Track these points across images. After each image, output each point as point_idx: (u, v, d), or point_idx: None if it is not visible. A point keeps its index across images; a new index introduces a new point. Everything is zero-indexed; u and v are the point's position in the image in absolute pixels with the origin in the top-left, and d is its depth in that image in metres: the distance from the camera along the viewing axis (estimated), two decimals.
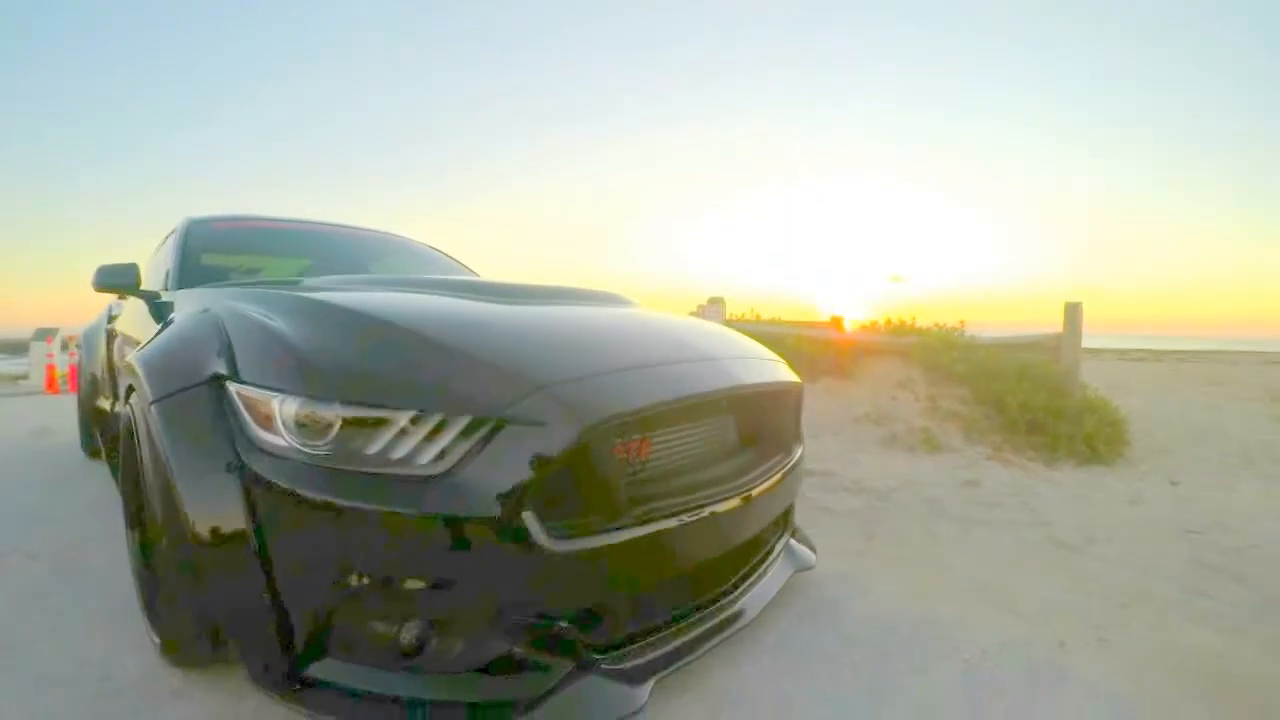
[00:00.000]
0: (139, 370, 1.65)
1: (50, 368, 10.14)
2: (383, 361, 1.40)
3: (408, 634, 1.30)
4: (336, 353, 1.42)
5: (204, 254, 2.83)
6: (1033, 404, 5.03)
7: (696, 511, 1.50)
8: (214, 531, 1.33)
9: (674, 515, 1.46)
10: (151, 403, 1.50)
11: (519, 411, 1.31)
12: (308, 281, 2.19)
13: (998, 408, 5.23)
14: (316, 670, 1.30)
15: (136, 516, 1.87)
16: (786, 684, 1.60)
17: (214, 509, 1.33)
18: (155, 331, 1.99)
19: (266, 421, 1.32)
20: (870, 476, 3.88)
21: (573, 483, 1.35)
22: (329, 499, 1.25)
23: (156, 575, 1.67)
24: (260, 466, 1.29)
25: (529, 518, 1.27)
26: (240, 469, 1.31)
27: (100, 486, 3.50)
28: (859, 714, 1.49)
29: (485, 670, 1.31)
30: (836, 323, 7.85)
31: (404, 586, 1.28)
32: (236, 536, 1.30)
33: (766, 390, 1.89)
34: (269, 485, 1.28)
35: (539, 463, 1.28)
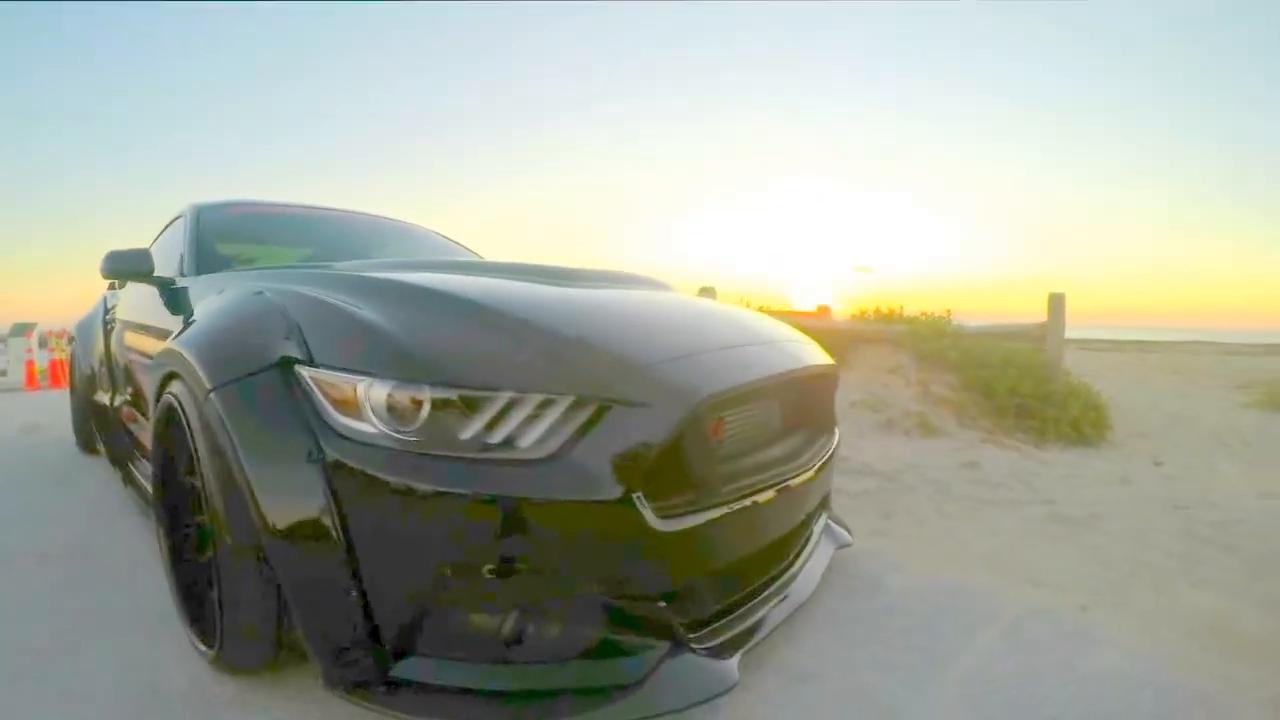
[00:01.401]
0: (189, 356, 1.55)
1: (30, 364, 9.90)
2: (475, 342, 1.38)
3: (506, 625, 1.26)
4: (424, 333, 1.36)
5: (218, 239, 2.80)
6: (1020, 390, 5.30)
7: (771, 489, 1.61)
8: (293, 525, 1.26)
9: (756, 492, 1.55)
10: (211, 390, 1.42)
11: (624, 392, 1.32)
12: (346, 264, 2.16)
13: (986, 393, 5.50)
14: (404, 669, 1.25)
15: (171, 514, 1.82)
16: (849, 655, 1.75)
17: (292, 501, 1.26)
18: (186, 317, 1.98)
19: (349, 406, 1.26)
20: (875, 460, 4.09)
21: (673, 461, 1.37)
22: (427, 487, 1.20)
23: (203, 576, 1.65)
24: (345, 454, 1.23)
25: (639, 499, 1.28)
26: (321, 457, 1.24)
27: (100, 483, 3.49)
28: (922, 677, 1.66)
29: (584, 656, 1.30)
30: (824, 311, 8.09)
31: (506, 576, 1.25)
32: (319, 530, 1.24)
33: (817, 372, 2.00)
34: (357, 474, 1.22)
35: (647, 443, 1.29)
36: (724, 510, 1.45)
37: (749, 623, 1.59)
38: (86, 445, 4.23)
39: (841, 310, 8.03)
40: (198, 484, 1.68)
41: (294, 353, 1.35)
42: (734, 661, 1.44)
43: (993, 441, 4.77)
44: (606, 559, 1.29)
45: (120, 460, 3.12)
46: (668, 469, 1.37)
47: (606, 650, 1.31)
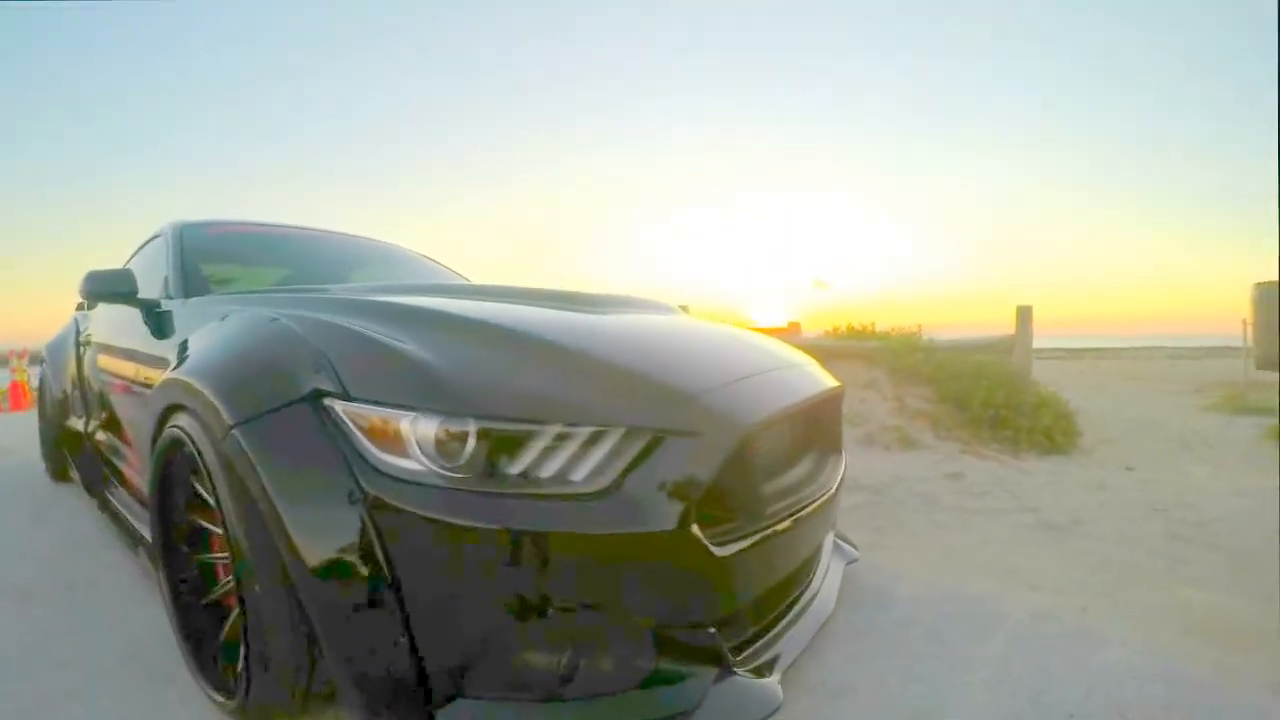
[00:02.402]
0: (202, 388, 1.49)
1: None
2: (520, 373, 1.36)
3: (560, 661, 1.25)
4: (467, 364, 1.34)
5: (203, 260, 2.69)
6: (994, 401, 5.49)
7: (803, 510, 1.64)
8: (333, 567, 1.23)
9: (792, 514, 1.58)
10: (234, 426, 1.36)
11: (677, 422, 1.33)
12: (352, 287, 2.15)
13: (960, 405, 5.68)
14: (451, 713, 1.23)
15: (172, 553, 1.77)
16: (874, 667, 1.81)
17: (332, 542, 1.23)
18: (181, 344, 1.91)
19: (391, 442, 1.23)
20: (861, 473, 4.19)
21: (723, 488, 1.38)
22: (479, 524, 1.18)
23: (210, 619, 1.64)
24: (389, 493, 1.20)
25: (696, 527, 1.28)
26: (362, 496, 1.21)
27: (73, 514, 3.39)
28: (947, 683, 1.73)
29: (639, 687, 1.29)
30: (794, 328, 8.27)
31: (563, 612, 1.24)
32: (362, 572, 1.21)
33: (831, 394, 2.06)
34: (404, 513, 1.19)
35: (701, 472, 1.30)
36: (767, 533, 1.47)
37: (784, 642, 1.63)
38: (57, 472, 4.07)
39: (807, 324, 8.23)
40: (204, 523, 1.69)
41: (325, 385, 1.31)
42: (776, 681, 1.47)
43: (971, 452, 4.93)
44: (665, 589, 1.30)
45: (96, 488, 3.05)
46: (717, 495, 1.38)
47: (659, 679, 1.31)
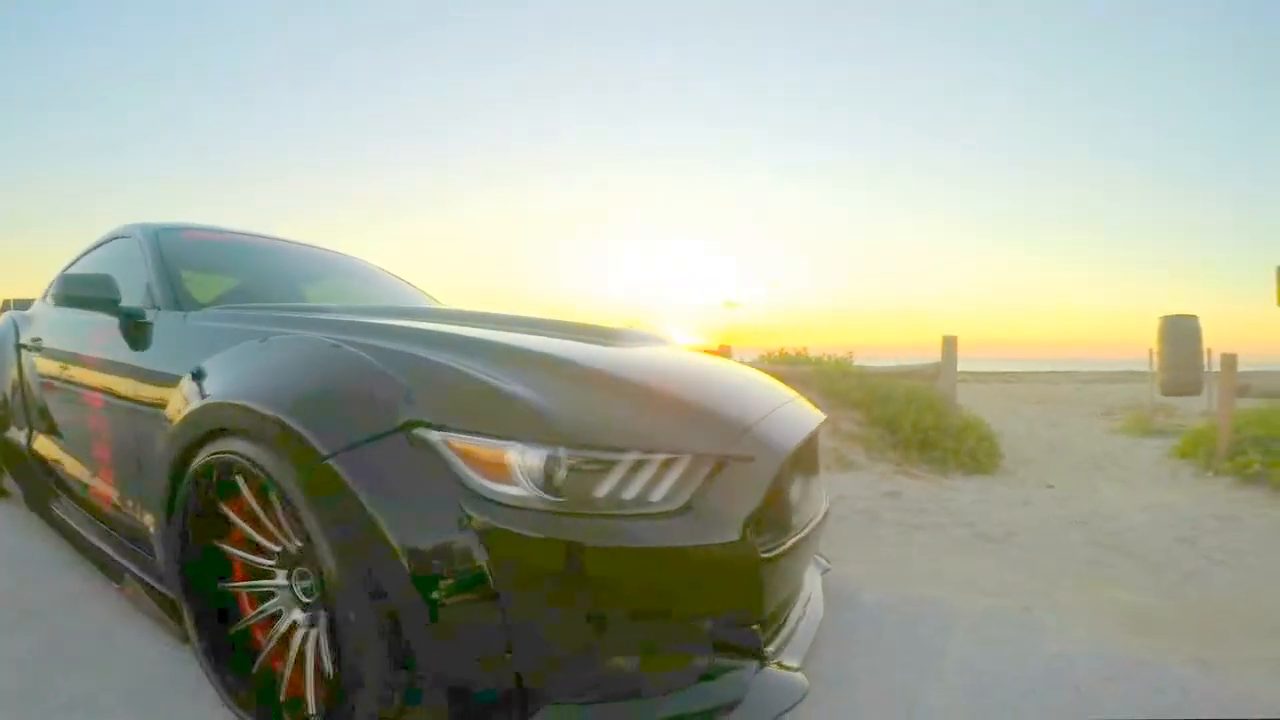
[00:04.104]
0: (281, 416, 1.52)
1: None
2: (597, 405, 1.54)
3: (636, 663, 1.41)
4: (553, 398, 1.47)
5: (183, 268, 2.58)
6: (923, 424, 5.91)
7: (812, 521, 1.88)
8: (443, 587, 1.32)
9: (806, 525, 1.81)
10: (329, 456, 1.41)
11: (736, 449, 1.54)
12: (382, 309, 2.23)
13: (891, 428, 6.09)
14: None
15: (196, 582, 1.76)
16: (861, 661, 2.04)
17: (444, 564, 1.33)
18: (198, 361, 1.89)
19: (495, 470, 1.35)
20: None
21: (767, 503, 1.58)
22: (578, 543, 1.33)
23: (238, 649, 1.68)
24: (497, 518, 1.32)
25: (750, 536, 1.47)
26: (471, 521, 1.32)
27: (15, 532, 3.10)
28: (927, 672, 1.97)
29: (697, 682, 1.46)
30: (725, 350, 8.59)
31: (647, 619, 1.42)
32: (471, 590, 1.32)
33: (821, 423, 2.27)
34: (511, 536, 1.31)
35: (756, 490, 1.52)
36: (795, 540, 1.68)
37: (799, 637, 1.83)
38: None
39: (716, 342, 8.57)
40: (227, 546, 1.72)
41: (419, 415, 1.40)
42: (799, 671, 1.64)
43: (903, 473, 5.30)
44: (723, 593, 1.49)
45: (42, 504, 2.91)
46: (762, 510, 1.56)
47: (713, 674, 1.48)
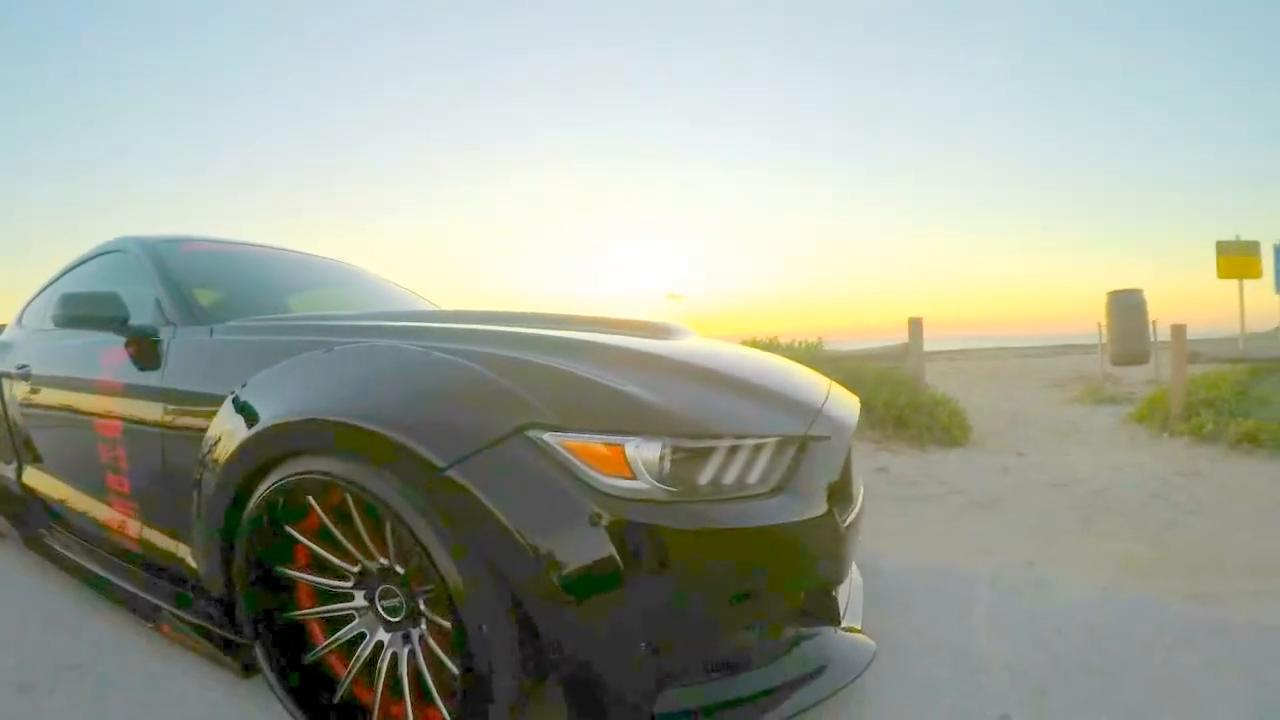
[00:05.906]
0: (383, 431, 1.51)
1: None
2: (691, 397, 1.62)
3: (747, 638, 1.53)
4: (654, 392, 1.55)
5: (194, 283, 2.51)
6: (897, 402, 6.24)
7: (863, 492, 2.06)
8: (580, 585, 1.38)
9: (861, 495, 1.98)
10: (448, 467, 1.43)
11: (815, 429, 1.66)
12: (430, 313, 2.29)
13: (867, 408, 6.39)
14: (666, 701, 1.43)
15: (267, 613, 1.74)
16: (902, 622, 2.28)
17: (579, 562, 1.38)
18: (241, 379, 1.85)
19: (615, 466, 1.42)
20: None
21: (841, 477, 1.72)
22: (695, 528, 1.42)
23: (316, 676, 1.71)
24: (622, 512, 1.38)
25: (833, 508, 1.59)
26: (599, 517, 1.37)
27: (23, 575, 2.87)
28: (965, 625, 2.23)
29: (790, 649, 1.58)
30: None
31: (756, 595, 1.52)
32: (606, 584, 1.38)
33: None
34: (637, 528, 1.38)
35: (834, 466, 1.65)
36: (860, 508, 1.86)
37: (854, 603, 1.99)
38: None
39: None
40: (305, 575, 1.72)
41: (531, 419, 1.45)
42: (864, 634, 1.79)
43: (885, 449, 5.62)
44: (812, 563, 1.61)
45: (44, 544, 2.80)
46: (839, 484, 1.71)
47: (804, 639, 1.62)
